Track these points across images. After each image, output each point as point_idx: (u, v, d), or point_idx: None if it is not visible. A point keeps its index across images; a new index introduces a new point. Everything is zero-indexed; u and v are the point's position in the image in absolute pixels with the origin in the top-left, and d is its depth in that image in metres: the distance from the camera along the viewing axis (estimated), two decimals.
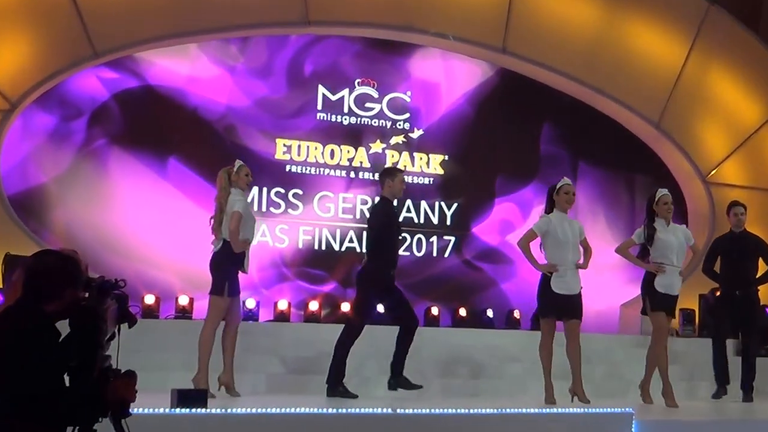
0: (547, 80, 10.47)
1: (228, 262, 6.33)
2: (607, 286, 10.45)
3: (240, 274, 6.41)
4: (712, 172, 10.79)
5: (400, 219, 8.23)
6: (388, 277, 6.62)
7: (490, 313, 9.91)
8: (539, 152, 10.77)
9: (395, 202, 6.94)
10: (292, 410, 4.80)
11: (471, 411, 5.42)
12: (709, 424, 6.40)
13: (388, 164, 9.81)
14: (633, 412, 5.89)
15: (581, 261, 6.58)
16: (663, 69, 10.72)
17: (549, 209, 6.55)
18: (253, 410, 4.78)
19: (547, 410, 6.07)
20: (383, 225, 6.63)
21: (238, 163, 6.54)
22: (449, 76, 10.48)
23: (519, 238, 6.68)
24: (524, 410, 5.70)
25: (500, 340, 8.92)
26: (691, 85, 10.80)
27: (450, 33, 9.93)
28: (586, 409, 6.19)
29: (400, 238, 7.81)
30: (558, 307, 6.44)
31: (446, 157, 10.25)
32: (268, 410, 4.77)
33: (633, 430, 5.76)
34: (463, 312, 9.72)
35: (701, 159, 10.79)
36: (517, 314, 9.91)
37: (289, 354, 7.57)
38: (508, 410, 5.55)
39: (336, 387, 6.37)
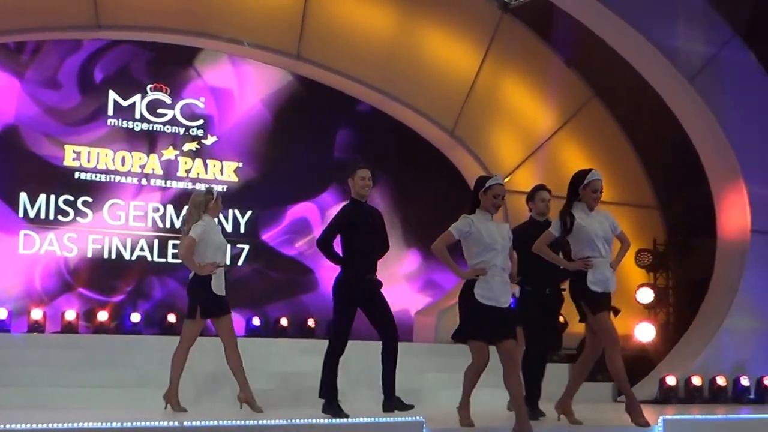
0: (342, 87, 12.18)
1: (199, 287, 7.44)
2: (402, 294, 12.41)
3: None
4: (506, 179, 12.38)
5: None
6: (365, 283, 7.08)
7: (284, 321, 11.60)
8: (334, 159, 12.52)
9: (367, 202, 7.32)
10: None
11: (259, 422, 6.12)
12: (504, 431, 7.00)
13: (181, 171, 11.44)
14: (423, 421, 6.46)
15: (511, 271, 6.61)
16: (457, 77, 12.58)
17: (471, 209, 6.52)
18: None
19: (337, 421, 6.64)
20: (340, 227, 7.10)
21: (215, 191, 7.73)
22: (244, 83, 12.07)
23: (435, 241, 6.54)
24: (313, 420, 6.31)
25: (291, 348, 10.48)
26: (485, 93, 12.71)
27: (245, 39, 11.47)
28: (376, 419, 6.67)
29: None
30: (487, 322, 6.33)
31: (241, 164, 11.86)
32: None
33: None
34: (257, 321, 11.37)
35: (495, 166, 12.49)
36: (311, 323, 11.69)
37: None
38: (298, 421, 6.12)
39: (330, 403, 7.01)
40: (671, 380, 10.77)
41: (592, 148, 13.39)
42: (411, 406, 6.94)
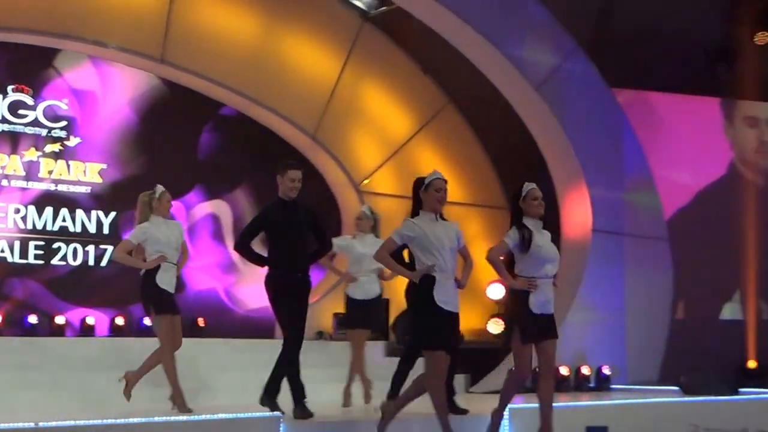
0: (206, 90, 12.84)
1: (146, 283, 7.72)
2: (263, 291, 13.39)
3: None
4: (365, 182, 13.60)
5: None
6: (293, 282, 7.31)
7: (147, 321, 12.26)
8: (199, 161, 13.22)
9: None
10: None
11: (118, 421, 6.26)
12: (358, 425, 7.47)
13: (43, 172, 12.02)
14: (281, 416, 6.82)
15: (460, 275, 6.42)
16: (319, 82, 13.33)
17: (415, 212, 6.45)
18: None
19: (195, 417, 6.84)
20: (258, 228, 7.39)
21: (159, 189, 7.81)
22: (108, 85, 12.64)
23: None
24: (172, 418, 6.62)
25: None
26: (346, 99, 13.51)
27: (109, 41, 12.03)
28: (234, 415, 6.90)
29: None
30: (448, 329, 6.27)
31: (105, 166, 12.47)
32: None
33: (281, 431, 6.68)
34: (120, 321, 12.07)
35: (355, 169, 13.47)
36: None
37: None
38: (156, 419, 6.40)
39: (269, 400, 7.28)
40: None
41: (447, 152, 14.35)
42: (311, 414, 7.11)
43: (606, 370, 12.07)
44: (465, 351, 12.10)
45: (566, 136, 12.73)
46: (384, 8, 13.48)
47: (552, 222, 12.84)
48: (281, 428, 6.72)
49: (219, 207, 13.44)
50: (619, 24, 14.75)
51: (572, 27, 13.23)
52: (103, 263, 12.46)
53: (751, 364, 14.25)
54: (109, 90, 12.77)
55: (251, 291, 13.12)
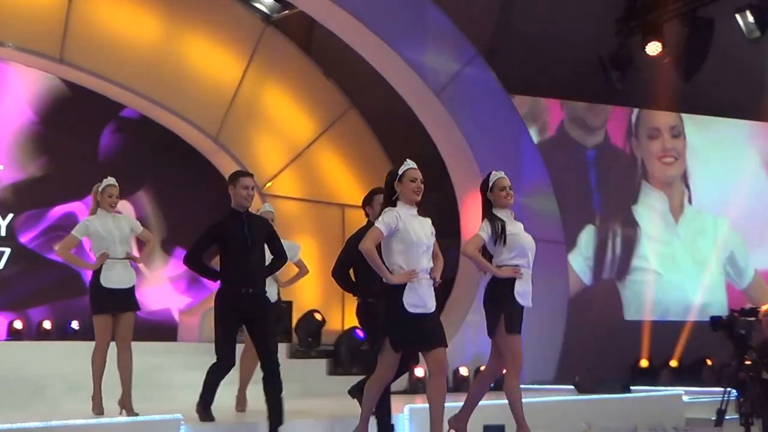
0: (107, 92, 12.67)
1: (91, 282, 7.45)
2: (166, 294, 13.25)
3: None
4: (268, 185, 13.55)
5: None
6: (241, 298, 6.86)
7: (47, 324, 12.18)
8: (98, 163, 13.11)
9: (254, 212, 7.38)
10: None
11: (16, 425, 6.06)
12: (253, 426, 7.29)
13: None
14: (181, 418, 6.65)
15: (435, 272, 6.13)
16: (221, 85, 13.28)
17: (391, 204, 6.08)
18: None
19: (95, 421, 6.75)
20: (209, 241, 7.00)
21: (105, 181, 7.53)
22: (7, 85, 12.46)
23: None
24: (71, 422, 6.47)
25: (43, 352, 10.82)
26: (248, 102, 13.49)
27: (6, 41, 11.80)
28: (134, 418, 6.94)
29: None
30: (416, 332, 5.95)
31: (2, 167, 12.28)
32: None
33: None
34: (18, 324, 11.87)
35: (258, 172, 12.85)
36: (75, 325, 12.29)
37: None
38: (54, 423, 6.33)
39: (203, 410, 7.06)
40: (419, 372, 11.74)
41: (350, 156, 14.46)
42: (213, 418, 6.93)
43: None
44: (365, 352, 12.35)
45: (466, 141, 12.98)
46: (286, 12, 13.53)
47: (453, 225, 13.32)
48: (181, 429, 6.65)
49: (121, 208, 13.24)
50: (517, 33, 15.22)
51: (472, 34, 13.51)
52: (0, 266, 12.30)
53: (643, 363, 14.83)
54: (6, 90, 12.60)
55: (152, 293, 13.09)
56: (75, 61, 12.35)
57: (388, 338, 6.02)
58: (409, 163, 6.18)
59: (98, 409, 7.40)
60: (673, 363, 15.45)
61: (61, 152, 12.83)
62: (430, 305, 5.97)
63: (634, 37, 15.61)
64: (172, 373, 10.39)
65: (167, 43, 13.06)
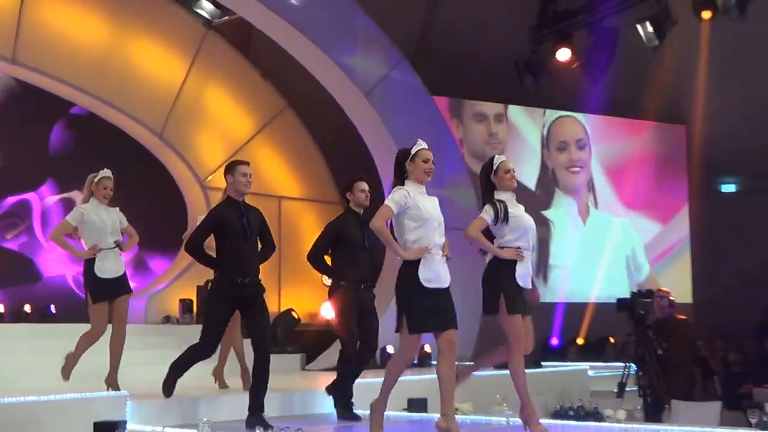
0: (57, 90, 12.98)
1: (86, 271, 7.45)
2: None
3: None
4: (209, 178, 13.92)
5: None
6: (237, 288, 6.75)
7: (1, 308, 12.60)
8: (49, 156, 13.53)
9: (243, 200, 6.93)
10: None
11: None
12: (198, 401, 7.35)
13: None
14: (127, 394, 6.81)
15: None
16: (165, 85, 13.66)
17: (401, 181, 5.94)
18: None
19: (42, 398, 6.57)
20: (209, 229, 6.84)
21: (101, 173, 7.48)
22: None
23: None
24: (18, 399, 6.41)
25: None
26: (191, 100, 13.90)
27: None
28: (83, 394, 6.80)
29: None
30: (433, 309, 5.78)
31: None
32: None
33: (126, 410, 6.69)
34: None
35: (199, 166, 13.85)
36: (28, 308, 12.74)
37: None
38: (5, 400, 6.33)
39: (171, 385, 7.03)
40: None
41: (286, 152, 15.02)
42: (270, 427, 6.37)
43: (427, 348, 12.21)
44: (300, 332, 13.01)
45: (392, 139, 13.24)
46: (226, 18, 13.84)
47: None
48: (127, 406, 6.73)
49: (73, 198, 13.67)
50: (440, 39, 15.83)
51: (398, 40, 13.87)
52: None
53: (554, 341, 15.54)
54: None
55: None
56: (27, 62, 12.61)
57: (406, 320, 5.81)
58: (422, 144, 6.01)
59: (67, 377, 7.48)
60: (580, 341, 16.09)
61: (14, 146, 13.16)
62: (445, 280, 5.83)
63: (546, 44, 15.92)
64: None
65: (115, 45, 13.36)
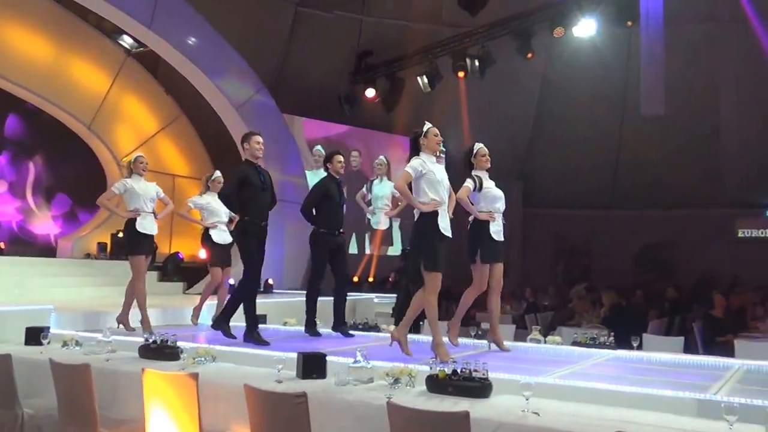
0: (15, 91, 12.59)
1: (127, 227, 6.81)
2: (50, 226, 13.49)
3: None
4: (124, 159, 13.21)
5: None
6: (258, 228, 6.20)
7: None
8: (6, 138, 13.11)
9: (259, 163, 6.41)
10: None
11: None
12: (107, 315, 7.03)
13: None
14: (52, 308, 6.56)
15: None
16: (96, 91, 13.54)
17: (416, 152, 5.39)
18: None
19: None
20: (238, 183, 6.12)
21: (134, 155, 7.03)
22: None
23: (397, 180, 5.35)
24: None
25: None
26: (114, 103, 13.87)
27: None
28: (16, 307, 6.51)
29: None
30: (444, 251, 5.26)
31: None
32: None
33: (51, 319, 6.52)
34: None
35: (117, 150, 13.88)
36: None
37: None
38: None
39: (223, 323, 6.24)
40: None
41: (179, 144, 14.96)
42: (267, 342, 5.88)
43: (270, 281, 12.25)
44: (183, 268, 13.03)
45: None
46: (142, 49, 13.70)
47: None
48: (51, 316, 6.54)
49: (20, 169, 13.37)
50: (290, 75, 16.08)
51: (261, 73, 13.88)
52: None
53: (355, 279, 15.78)
54: None
55: (39, 226, 13.43)
56: None
57: (425, 260, 5.19)
58: (429, 124, 5.46)
59: (148, 327, 6.67)
60: (371, 279, 16.33)
61: None
62: (450, 231, 5.31)
63: (359, 84, 16.43)
64: (49, 278, 10.42)
65: (58, 60, 13.08)
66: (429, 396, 4.05)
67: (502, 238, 5.87)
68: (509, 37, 14.24)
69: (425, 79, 15.16)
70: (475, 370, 4.09)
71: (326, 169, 6.92)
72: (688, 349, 7.51)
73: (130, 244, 6.86)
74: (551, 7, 13.67)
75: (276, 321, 7.87)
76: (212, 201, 7.63)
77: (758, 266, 15.22)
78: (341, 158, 6.95)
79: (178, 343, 5.31)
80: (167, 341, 5.30)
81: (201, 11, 12.51)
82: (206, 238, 7.68)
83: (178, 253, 13.23)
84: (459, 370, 4.11)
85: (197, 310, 7.87)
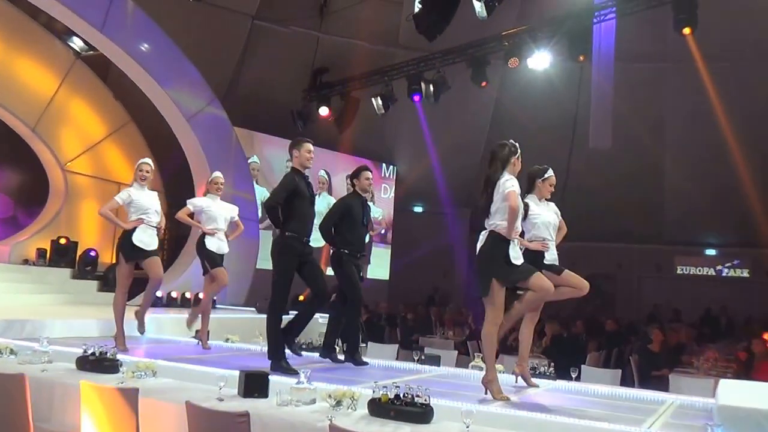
0: None
1: (122, 238, 6.59)
2: None
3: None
4: (68, 164, 13.68)
5: None
6: (302, 246, 5.72)
7: None
8: None
9: (307, 172, 5.92)
10: None
11: None
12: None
13: None
14: None
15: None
16: (42, 92, 13.17)
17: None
18: None
19: None
20: (287, 195, 5.62)
21: (140, 161, 6.74)
22: None
23: None
24: None
25: None
26: (60, 107, 13.52)
27: None
28: None
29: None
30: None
31: None
32: None
33: None
34: None
35: (62, 155, 13.57)
36: None
37: None
38: None
39: (277, 362, 5.61)
40: None
41: (126, 152, 14.61)
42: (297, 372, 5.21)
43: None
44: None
45: (204, 152, 13.38)
46: (92, 52, 13.41)
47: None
48: None
49: None
50: (243, 88, 16.15)
51: (213, 84, 13.81)
52: None
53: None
54: None
55: None
56: None
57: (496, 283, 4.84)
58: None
59: (122, 344, 6.49)
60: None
61: None
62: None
63: (313, 102, 16.53)
64: None
65: (3, 59, 12.72)
66: (370, 420, 4.10)
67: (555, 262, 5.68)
68: (464, 64, 14.57)
69: (379, 101, 15.39)
70: (417, 396, 4.18)
71: (353, 185, 6.61)
72: (625, 381, 7.80)
73: (118, 251, 6.69)
74: (507, 38, 14.06)
75: (218, 337, 7.87)
76: (213, 205, 7.28)
77: (695, 302, 15.81)
78: (369, 174, 6.60)
79: (118, 356, 5.33)
80: (106, 353, 5.28)
81: (155, 18, 12.43)
82: (200, 247, 7.18)
83: None
84: (402, 395, 4.19)
85: (204, 334, 7.31)
